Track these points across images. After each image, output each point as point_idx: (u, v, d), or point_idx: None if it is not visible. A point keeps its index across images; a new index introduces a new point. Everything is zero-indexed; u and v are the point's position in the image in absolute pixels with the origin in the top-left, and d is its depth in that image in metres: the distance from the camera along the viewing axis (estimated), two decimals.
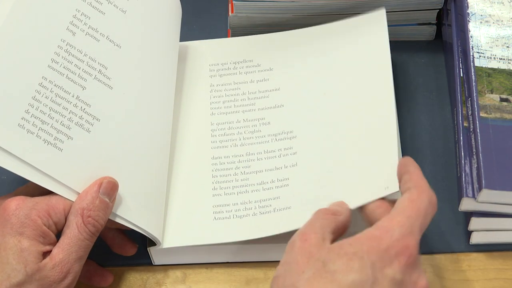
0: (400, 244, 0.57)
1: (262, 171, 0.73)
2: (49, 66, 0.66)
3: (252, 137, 0.76)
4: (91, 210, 0.63)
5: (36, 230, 0.62)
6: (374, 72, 0.76)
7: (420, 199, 0.60)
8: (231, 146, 0.75)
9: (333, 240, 0.60)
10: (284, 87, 0.78)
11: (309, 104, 0.76)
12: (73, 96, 0.66)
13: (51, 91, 0.65)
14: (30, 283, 0.61)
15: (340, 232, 0.62)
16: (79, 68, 0.68)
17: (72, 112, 0.66)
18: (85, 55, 0.68)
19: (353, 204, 0.67)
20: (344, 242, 0.57)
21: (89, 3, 0.70)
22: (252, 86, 0.79)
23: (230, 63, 0.81)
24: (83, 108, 0.67)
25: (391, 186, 0.67)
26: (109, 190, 0.64)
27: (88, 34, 0.69)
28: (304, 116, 0.76)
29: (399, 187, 0.64)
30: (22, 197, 0.63)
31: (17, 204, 0.62)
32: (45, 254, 0.62)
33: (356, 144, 0.72)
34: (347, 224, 0.63)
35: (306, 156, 0.73)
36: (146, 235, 0.68)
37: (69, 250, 0.62)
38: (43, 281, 0.61)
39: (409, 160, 0.65)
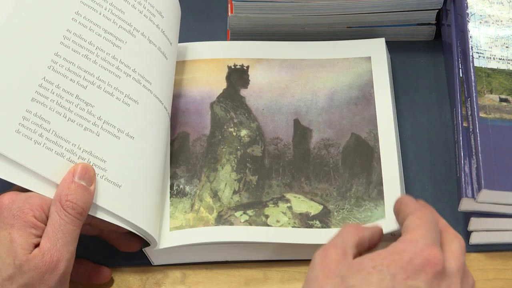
0: (425, 254, 0.56)
1: None
2: (49, 67, 0.66)
3: None
4: (68, 194, 0.63)
5: (27, 222, 0.62)
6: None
7: (425, 215, 0.60)
8: None
9: (357, 255, 0.59)
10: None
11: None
12: (73, 96, 0.67)
13: (52, 93, 0.66)
14: (21, 276, 0.61)
15: (365, 247, 0.61)
16: (80, 70, 0.68)
17: (72, 111, 0.66)
18: (86, 57, 0.69)
19: None
20: (365, 257, 0.57)
21: (87, 5, 0.70)
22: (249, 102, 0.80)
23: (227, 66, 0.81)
24: (82, 108, 0.67)
25: (397, 233, 0.70)
26: (84, 174, 0.64)
27: (86, 38, 0.69)
28: None
29: (398, 220, 0.64)
30: (16, 192, 0.64)
31: (10, 198, 0.63)
32: (38, 246, 0.62)
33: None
34: (375, 240, 0.62)
35: None
36: (144, 236, 0.68)
37: (54, 237, 0.62)
38: (33, 273, 0.61)
39: (404, 197, 0.65)
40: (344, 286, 0.55)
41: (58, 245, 0.62)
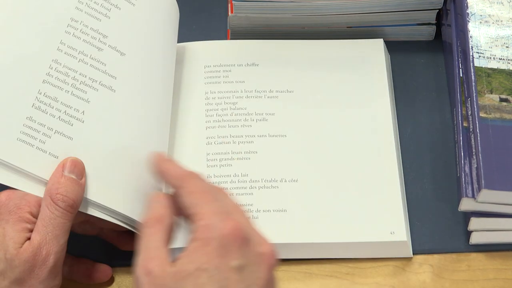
0: (226, 232, 0.55)
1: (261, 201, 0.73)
2: (47, 74, 0.66)
3: (249, 157, 0.76)
4: (58, 188, 0.62)
5: (22, 217, 0.62)
6: (374, 109, 0.78)
7: (196, 185, 0.59)
8: (228, 174, 0.75)
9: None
10: (282, 113, 0.78)
11: (310, 140, 0.76)
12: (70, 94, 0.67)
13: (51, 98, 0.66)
14: (12, 270, 0.61)
15: (172, 234, 0.59)
16: (77, 72, 0.68)
17: (68, 109, 0.66)
18: (84, 61, 0.69)
19: (353, 239, 0.70)
20: (183, 262, 0.55)
21: (86, 4, 0.70)
22: (249, 103, 0.79)
23: (227, 65, 0.81)
24: (81, 111, 0.67)
25: (397, 233, 0.70)
26: (73, 167, 0.64)
27: (86, 37, 0.69)
28: (305, 154, 0.76)
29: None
30: (13, 189, 0.63)
31: (7, 195, 0.63)
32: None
33: (358, 184, 0.74)
34: (173, 222, 0.59)
35: (308, 191, 0.74)
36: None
37: (44, 231, 0.61)
38: (24, 267, 0.61)
39: (165, 162, 0.63)
40: None
41: (48, 238, 0.61)
